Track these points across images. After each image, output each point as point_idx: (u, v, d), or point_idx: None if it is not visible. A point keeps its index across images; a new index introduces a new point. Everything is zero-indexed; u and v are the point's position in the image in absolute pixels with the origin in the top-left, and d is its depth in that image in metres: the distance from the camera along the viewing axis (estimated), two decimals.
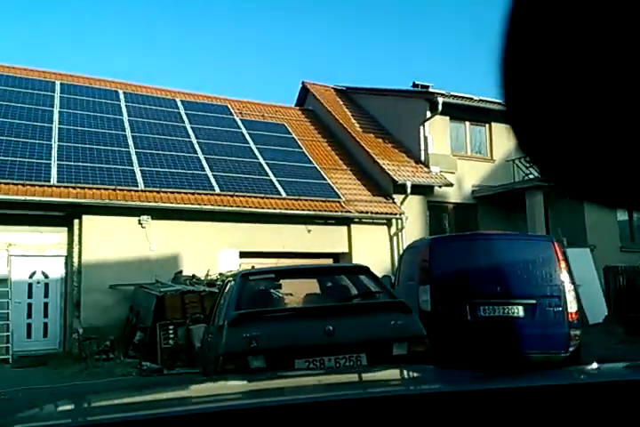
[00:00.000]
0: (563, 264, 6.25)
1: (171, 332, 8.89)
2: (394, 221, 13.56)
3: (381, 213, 13.16)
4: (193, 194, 11.52)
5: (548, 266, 6.26)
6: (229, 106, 15.51)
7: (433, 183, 13.89)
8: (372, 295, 4.45)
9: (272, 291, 5.09)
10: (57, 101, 12.84)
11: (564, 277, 6.25)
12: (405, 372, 2.02)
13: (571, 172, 0.53)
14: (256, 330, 3.79)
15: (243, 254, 12.15)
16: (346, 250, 13.18)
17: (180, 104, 14.67)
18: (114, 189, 10.82)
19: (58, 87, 13.40)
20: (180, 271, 11.29)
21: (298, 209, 12.26)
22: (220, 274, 10.93)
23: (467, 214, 14.46)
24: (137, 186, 11.05)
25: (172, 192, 11.33)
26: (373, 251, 12.91)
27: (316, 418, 1.03)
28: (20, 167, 10.41)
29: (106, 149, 11.79)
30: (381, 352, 3.85)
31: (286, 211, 12.12)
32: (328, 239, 12.88)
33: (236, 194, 11.88)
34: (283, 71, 53.42)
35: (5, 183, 10.03)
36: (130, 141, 12.36)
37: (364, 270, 4.87)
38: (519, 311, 6.11)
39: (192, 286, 9.81)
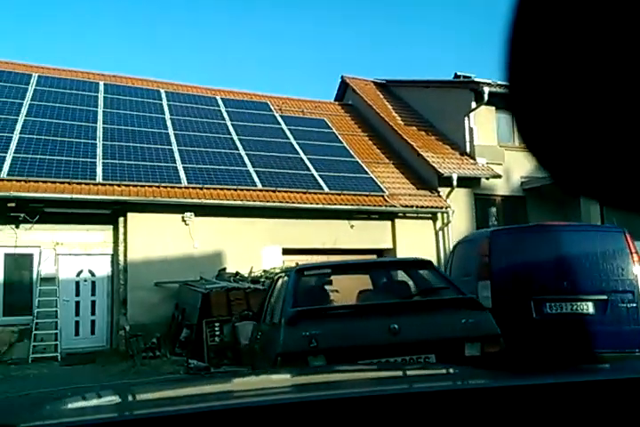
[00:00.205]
0: (636, 257, 5.71)
1: (216, 329, 8.71)
2: (439, 215, 13.07)
3: (427, 207, 12.69)
4: (235, 190, 11.34)
5: (620, 259, 5.73)
6: (269, 102, 15.32)
7: (480, 175, 13.32)
8: (438, 291, 4.08)
9: (328, 287, 4.78)
10: (101, 101, 12.90)
11: (638, 270, 5.71)
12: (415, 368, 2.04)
13: (571, 166, 0.52)
14: (316, 329, 3.49)
15: (285, 251, 11.92)
16: (390, 246, 12.77)
17: (220, 102, 14.56)
18: (158, 187, 10.75)
19: (101, 87, 13.48)
20: (224, 268, 11.13)
21: (340, 204, 11.93)
22: (264, 271, 10.72)
23: (515, 207, 13.82)
24: (180, 183, 10.94)
25: (214, 188, 11.19)
26: (418, 246, 12.44)
27: (315, 418, 1.02)
28: (67, 166, 10.45)
29: (149, 148, 11.75)
30: (452, 353, 3.49)
31: (329, 206, 11.80)
32: (371, 235, 12.50)
33: (278, 189, 11.65)
34: (321, 67, 53.11)
35: (52, 182, 10.07)
36: (172, 139, 12.29)
37: (427, 265, 4.50)
38: (589, 308, 5.63)
39: (236, 283, 9.61)
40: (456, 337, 3.57)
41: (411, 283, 4.38)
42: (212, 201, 10.94)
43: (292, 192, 11.78)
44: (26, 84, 12.59)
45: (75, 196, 9.93)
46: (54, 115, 11.90)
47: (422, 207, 12.65)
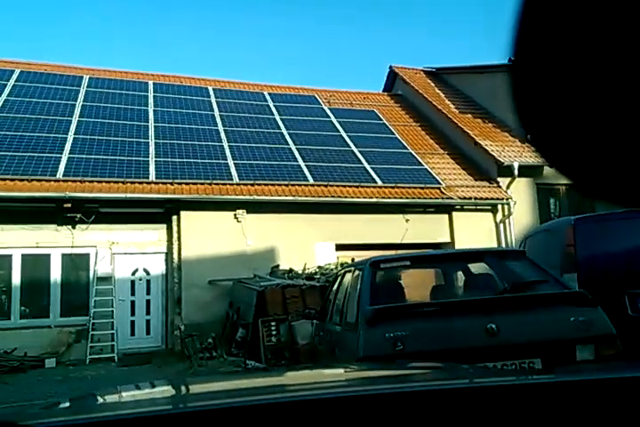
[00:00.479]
0: None
1: (273, 328, 8.34)
2: (500, 206, 12.28)
3: (486, 199, 11.94)
4: (287, 185, 10.97)
5: None
6: (317, 96, 14.90)
7: (543, 163, 12.34)
8: (535, 286, 3.49)
9: (408, 281, 4.26)
10: (151, 100, 12.82)
11: None
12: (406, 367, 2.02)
13: (575, 161, 0.53)
14: (401, 329, 2.99)
15: (339, 247, 11.46)
16: (447, 240, 12.10)
17: (267, 97, 14.25)
18: (210, 184, 10.50)
19: (151, 87, 13.42)
20: (277, 265, 10.79)
21: (395, 197, 11.37)
22: (319, 267, 10.29)
23: (581, 197, 12.83)
24: (232, 179, 10.67)
25: (265, 184, 10.85)
26: (478, 240, 11.71)
27: (314, 417, 1.02)
28: (120, 165, 10.35)
29: (200, 145, 11.54)
30: (561, 357, 2.93)
31: (383, 199, 11.26)
32: (428, 229, 11.86)
33: (330, 184, 11.20)
34: (369, 58, 52.11)
35: (107, 181, 9.98)
36: (222, 136, 12.06)
37: (520, 255, 3.92)
38: None
39: (291, 280, 9.22)
40: (565, 339, 3.00)
41: (503, 276, 3.79)
42: (263, 197, 10.60)
43: (344, 186, 11.31)
44: (78, 86, 12.65)
45: (129, 195, 9.80)
46: (106, 115, 11.87)
47: (481, 199, 11.90)
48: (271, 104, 13.91)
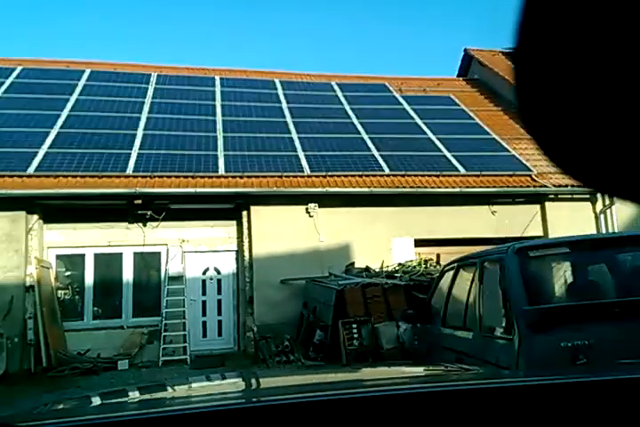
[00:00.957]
0: None
1: (354, 331, 7.45)
2: (599, 195, 10.77)
3: (584, 187, 10.44)
4: (361, 176, 10.06)
5: None
6: (387, 84, 13.90)
7: None
8: None
9: (569, 273, 3.23)
10: (218, 95, 12.34)
11: None
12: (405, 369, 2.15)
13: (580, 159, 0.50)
14: (580, 336, 2.02)
15: (418, 243, 10.41)
16: (539, 233, 10.73)
17: (335, 87, 13.43)
18: (280, 177, 9.78)
19: (217, 81, 12.97)
20: (352, 263, 9.89)
21: (480, 186, 10.17)
22: (400, 264, 9.30)
23: None
24: (303, 171, 9.90)
25: (338, 176, 10.00)
26: (575, 232, 10.22)
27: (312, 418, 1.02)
28: (189, 160, 9.86)
29: (269, 137, 10.88)
30: None
31: (467, 189, 10.10)
32: (517, 221, 10.56)
33: (408, 173, 10.18)
34: (440, 43, 49.84)
35: (176, 176, 9.49)
36: (291, 127, 11.34)
37: None
38: None
39: (371, 279, 8.29)
40: None
41: None
42: (337, 189, 9.74)
43: (423, 176, 10.25)
44: (146, 84, 12.37)
45: (198, 189, 9.24)
46: (174, 111, 11.48)
47: (579, 186, 10.40)
48: (340, 94, 13.06)
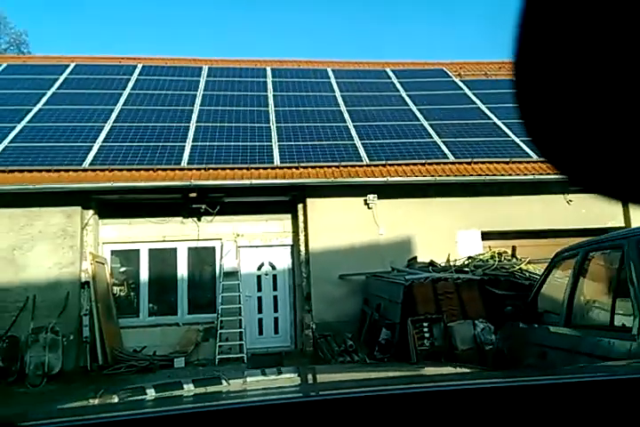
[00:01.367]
0: None
1: (425, 330, 6.71)
2: None
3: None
4: (423, 164, 9.29)
5: None
6: (445, 69, 13.03)
7: None
8: None
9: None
10: (270, 86, 11.86)
11: None
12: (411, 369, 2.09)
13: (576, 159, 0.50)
14: None
15: (485, 235, 9.54)
16: (620, 223, 9.64)
17: (390, 73, 12.69)
18: (337, 166, 9.15)
19: (269, 72, 12.51)
20: (414, 258, 9.13)
21: (556, 173, 9.13)
22: (470, 258, 8.47)
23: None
24: (361, 160, 9.22)
25: (399, 164, 9.26)
26: None
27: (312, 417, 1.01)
28: (244, 151, 9.39)
29: (323, 126, 10.28)
30: None
31: (540, 176, 9.14)
32: (595, 211, 9.50)
33: (474, 160, 9.33)
34: (497, 24, 47.63)
35: (231, 168, 9.02)
36: (346, 116, 10.69)
37: None
38: None
39: (441, 273, 7.51)
40: None
41: None
42: (398, 178, 9.01)
43: (491, 163, 9.37)
44: (197, 77, 12.03)
45: (254, 181, 8.72)
46: (226, 102, 11.07)
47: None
48: (395, 81, 12.31)
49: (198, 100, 11.05)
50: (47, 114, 10.13)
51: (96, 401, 1.56)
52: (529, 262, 7.69)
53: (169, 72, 12.17)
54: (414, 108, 11.01)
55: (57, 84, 11.19)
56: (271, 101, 11.19)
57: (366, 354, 7.43)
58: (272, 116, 10.59)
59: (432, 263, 8.83)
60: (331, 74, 12.56)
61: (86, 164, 8.80)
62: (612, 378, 1.16)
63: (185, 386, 1.90)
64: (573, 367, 2.22)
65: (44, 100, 10.59)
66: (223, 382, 1.97)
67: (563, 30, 0.42)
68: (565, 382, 1.12)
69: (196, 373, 8.16)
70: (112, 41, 41.07)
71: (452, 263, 8.79)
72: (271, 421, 0.98)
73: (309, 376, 2.06)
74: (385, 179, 8.91)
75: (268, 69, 12.66)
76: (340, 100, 11.34)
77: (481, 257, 8.30)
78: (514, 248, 8.19)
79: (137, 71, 12.05)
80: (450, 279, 7.13)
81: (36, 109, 10.25)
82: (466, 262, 8.41)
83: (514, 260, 7.99)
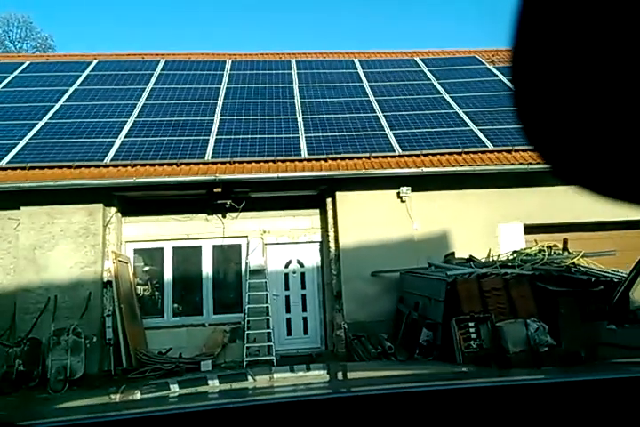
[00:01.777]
0: None
1: (472, 331, 6.03)
2: None
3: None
4: (460, 153, 8.61)
5: None
6: (477, 56, 12.30)
7: None
8: None
9: None
10: (295, 77, 11.33)
11: None
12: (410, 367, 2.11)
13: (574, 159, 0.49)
14: None
15: (528, 229, 8.81)
16: None
17: (420, 62, 12.03)
18: (368, 157, 8.54)
19: (294, 64, 11.99)
20: (452, 253, 8.45)
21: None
22: (516, 252, 7.75)
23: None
24: (393, 151, 8.59)
25: (433, 154, 8.60)
26: None
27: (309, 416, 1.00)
28: (270, 143, 8.86)
29: (352, 117, 9.69)
30: None
31: None
32: None
33: (515, 148, 8.61)
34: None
35: (257, 161, 8.49)
36: (375, 106, 10.08)
37: None
38: None
39: (484, 269, 6.82)
40: None
41: None
42: (434, 169, 8.35)
43: (533, 150, 8.59)
44: (221, 71, 11.58)
45: (280, 174, 8.17)
46: (251, 95, 10.57)
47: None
48: (425, 69, 11.64)
49: (222, 94, 10.58)
50: (69, 110, 9.78)
51: (96, 399, 1.52)
52: (584, 256, 6.93)
53: (192, 66, 11.74)
54: (447, 97, 10.32)
55: (79, 81, 10.85)
56: (297, 93, 10.64)
57: (406, 357, 6.79)
58: (298, 108, 10.05)
59: (472, 259, 8.15)
60: (358, 64, 11.96)
61: (108, 159, 8.39)
62: (608, 378, 1.14)
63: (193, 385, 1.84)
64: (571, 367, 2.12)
65: (65, 96, 10.25)
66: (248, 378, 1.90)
67: (559, 23, 0.42)
68: (562, 382, 1.10)
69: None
70: (134, 41, 41.14)
71: (493, 258, 8.10)
72: (272, 419, 0.96)
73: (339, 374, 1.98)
74: (419, 169, 8.26)
75: (293, 61, 12.14)
76: (368, 90, 10.73)
77: (527, 251, 7.57)
78: (565, 241, 7.43)
79: (160, 66, 11.65)
80: (497, 275, 6.43)
81: (57, 106, 9.91)
82: (511, 257, 7.69)
83: (565, 253, 7.24)
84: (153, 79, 11.03)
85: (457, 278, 6.38)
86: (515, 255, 7.56)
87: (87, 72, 11.22)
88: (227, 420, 0.97)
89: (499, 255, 8.26)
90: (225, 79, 11.16)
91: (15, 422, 1.03)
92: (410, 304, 7.62)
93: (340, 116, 9.71)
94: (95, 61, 11.79)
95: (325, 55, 12.90)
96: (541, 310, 6.12)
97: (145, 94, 10.53)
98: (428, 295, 6.92)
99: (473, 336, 6.05)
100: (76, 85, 10.68)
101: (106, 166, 8.37)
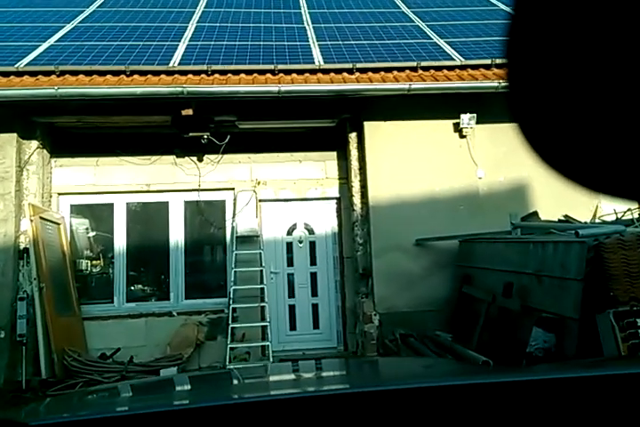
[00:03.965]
0: None
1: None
2: None
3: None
4: None
5: None
6: None
7: None
8: None
9: None
10: None
11: None
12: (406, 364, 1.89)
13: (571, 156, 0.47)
14: None
15: None
16: None
17: None
18: (414, 68, 5.43)
19: None
20: (534, 213, 5.41)
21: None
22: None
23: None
24: (451, 59, 5.50)
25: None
26: None
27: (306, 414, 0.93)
28: (267, 50, 5.80)
29: (382, 26, 6.61)
30: None
31: None
32: None
33: None
34: None
35: (248, 70, 5.37)
36: (412, 16, 6.97)
37: None
38: None
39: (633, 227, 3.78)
40: None
41: None
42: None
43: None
44: None
45: (283, 87, 5.04)
46: (241, 4, 7.44)
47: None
48: None
49: (202, 3, 7.41)
50: None
51: (94, 398, 1.40)
52: None
53: None
54: (505, 8, 7.25)
55: None
56: (303, 2, 7.51)
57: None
58: (306, 17, 6.93)
59: (568, 219, 5.16)
60: None
61: (21, 64, 5.20)
62: (607, 374, 1.07)
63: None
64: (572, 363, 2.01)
65: None
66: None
67: (554, 34, 0.40)
68: (563, 378, 1.03)
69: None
70: None
71: (599, 219, 5.11)
72: (264, 417, 0.90)
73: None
74: (495, 83, 5.14)
75: None
76: (398, 2, 7.60)
77: None
78: None
79: None
80: None
81: None
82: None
83: None
84: None
85: (602, 241, 3.31)
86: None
87: None
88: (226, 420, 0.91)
89: (600, 216, 5.29)
90: None
91: (19, 421, 0.98)
92: (488, 286, 4.57)
93: (364, 25, 6.60)
94: None
95: None
96: None
97: (98, 2, 7.34)
98: (534, 271, 3.87)
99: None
100: None
101: (18, 74, 5.20)
